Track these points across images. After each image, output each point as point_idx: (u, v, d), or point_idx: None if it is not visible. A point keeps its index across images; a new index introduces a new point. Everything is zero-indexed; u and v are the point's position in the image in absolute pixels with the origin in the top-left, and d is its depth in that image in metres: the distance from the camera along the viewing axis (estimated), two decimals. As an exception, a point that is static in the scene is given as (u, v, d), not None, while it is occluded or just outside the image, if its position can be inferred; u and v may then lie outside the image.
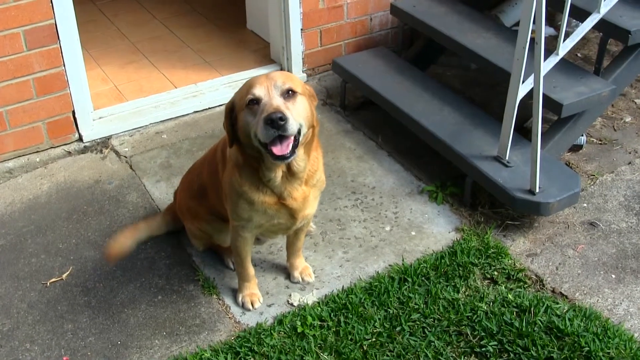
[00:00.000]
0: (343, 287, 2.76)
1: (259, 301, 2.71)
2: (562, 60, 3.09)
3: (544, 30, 2.65)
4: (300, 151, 2.28)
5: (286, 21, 3.97)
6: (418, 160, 3.48)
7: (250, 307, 2.68)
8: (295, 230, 2.66)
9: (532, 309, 2.61)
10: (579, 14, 3.25)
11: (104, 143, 3.65)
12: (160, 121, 3.81)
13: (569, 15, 2.93)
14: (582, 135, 3.50)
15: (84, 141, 3.62)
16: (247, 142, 2.25)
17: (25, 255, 2.98)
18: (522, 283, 2.77)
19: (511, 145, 3.03)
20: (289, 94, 2.18)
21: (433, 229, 3.06)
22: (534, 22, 2.65)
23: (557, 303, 2.66)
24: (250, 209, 2.41)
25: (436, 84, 3.69)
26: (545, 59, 2.83)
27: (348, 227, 3.08)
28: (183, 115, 3.86)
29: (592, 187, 3.31)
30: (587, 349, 2.45)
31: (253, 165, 2.33)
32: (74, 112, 3.56)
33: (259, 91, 2.17)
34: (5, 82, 3.31)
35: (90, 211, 3.21)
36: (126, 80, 4.15)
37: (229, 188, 2.44)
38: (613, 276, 2.82)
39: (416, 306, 2.65)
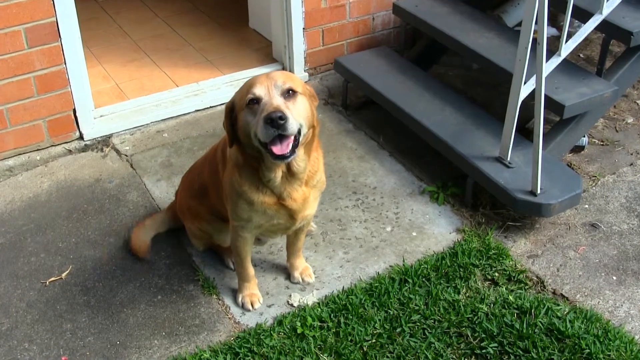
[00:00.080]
0: (343, 287, 2.75)
1: (259, 301, 2.70)
2: (565, 61, 3.07)
3: (547, 31, 2.64)
4: (300, 151, 2.27)
5: (288, 20, 3.96)
6: (419, 161, 3.47)
7: (250, 308, 2.68)
8: (296, 231, 2.65)
9: (532, 311, 2.60)
10: (582, 15, 3.24)
11: (104, 141, 3.64)
12: (162, 120, 3.80)
13: (571, 16, 2.92)
14: (584, 136, 3.48)
15: (84, 139, 3.62)
16: (247, 142, 2.24)
17: (24, 254, 2.97)
18: (522, 284, 2.76)
19: (513, 146, 3.02)
20: (289, 93, 2.17)
21: (434, 229, 3.05)
22: (536, 23, 2.63)
23: (558, 305, 2.65)
24: (250, 209, 2.40)
25: (438, 84, 3.68)
26: (547, 60, 2.82)
27: (349, 227, 3.07)
28: (184, 114, 3.85)
29: (594, 188, 3.30)
30: (588, 351, 2.44)
31: (253, 165, 2.32)
32: (74, 110, 3.55)
33: (259, 91, 2.16)
34: (6, 80, 3.31)
35: (90, 210, 3.20)
36: (128, 78, 4.14)
37: (229, 188, 2.44)
38: (614, 278, 2.81)
39: (416, 307, 2.64)
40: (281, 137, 2.13)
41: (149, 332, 2.62)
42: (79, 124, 3.59)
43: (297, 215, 2.44)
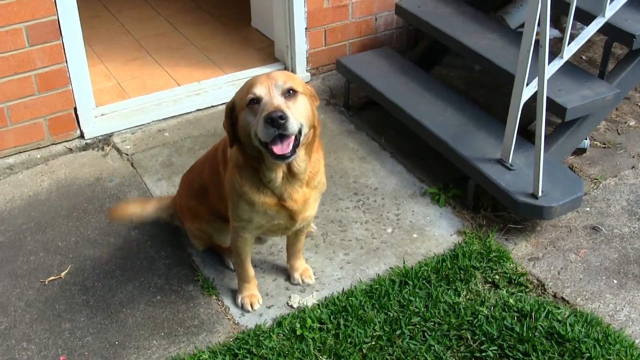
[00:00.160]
0: (343, 289, 2.74)
1: (259, 302, 2.69)
2: (567, 63, 3.06)
3: (549, 32, 2.63)
4: (301, 152, 2.26)
5: (290, 20, 3.95)
6: (421, 162, 3.46)
7: (250, 309, 2.67)
8: (296, 232, 2.65)
9: (533, 314, 2.59)
10: (584, 17, 3.23)
11: (105, 140, 3.64)
12: (163, 119, 3.79)
13: (573, 19, 2.91)
14: (586, 139, 3.47)
15: (85, 138, 3.61)
16: (248, 142, 2.23)
17: (24, 252, 2.97)
18: (523, 287, 2.75)
19: (514, 148, 3.01)
20: (289, 93, 2.17)
21: (435, 231, 3.04)
22: (538, 25, 2.62)
23: (559, 308, 2.64)
24: (250, 210, 2.40)
25: (440, 85, 3.67)
26: (549, 62, 2.80)
27: (349, 228, 3.06)
28: (186, 113, 3.84)
29: (595, 191, 3.28)
30: (588, 355, 2.43)
31: (254, 165, 2.31)
32: (75, 109, 3.54)
33: (259, 90, 2.15)
34: (7, 78, 3.30)
35: (90, 209, 3.20)
36: (129, 77, 4.13)
37: (229, 188, 2.43)
38: (615, 281, 2.80)
39: (416, 309, 2.63)
40: (282, 137, 2.12)
41: (148, 333, 2.61)
42: (80, 123, 3.58)
43: (297, 216, 2.43)
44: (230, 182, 2.41)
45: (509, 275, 2.79)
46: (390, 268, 2.84)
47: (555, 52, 3.00)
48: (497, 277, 2.78)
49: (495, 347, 2.48)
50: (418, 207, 3.18)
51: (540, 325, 2.54)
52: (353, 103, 3.93)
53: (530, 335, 2.50)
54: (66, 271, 2.87)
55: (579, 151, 3.51)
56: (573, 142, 3.30)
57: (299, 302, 2.70)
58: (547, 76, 2.70)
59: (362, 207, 3.18)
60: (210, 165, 2.66)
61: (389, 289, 2.70)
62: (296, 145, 2.17)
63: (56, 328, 2.64)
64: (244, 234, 2.52)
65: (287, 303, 2.71)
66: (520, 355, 2.44)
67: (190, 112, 3.85)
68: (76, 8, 3.34)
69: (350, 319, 2.59)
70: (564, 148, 3.26)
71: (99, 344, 2.58)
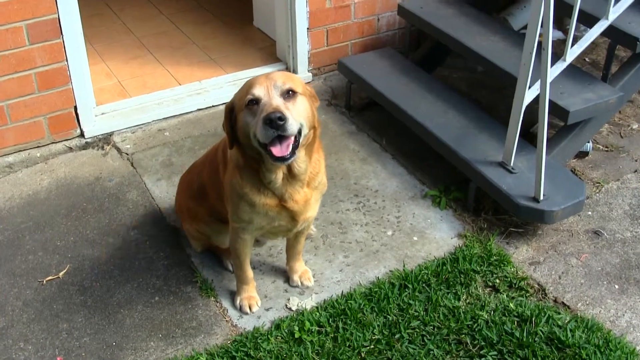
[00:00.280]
0: (342, 292, 2.72)
1: (257, 305, 2.68)
2: (570, 65, 3.03)
3: (552, 34, 2.61)
4: (301, 153, 2.24)
5: (292, 20, 3.94)
6: (422, 164, 3.44)
7: (248, 311, 2.65)
8: (296, 234, 2.63)
9: (533, 319, 2.57)
10: (588, 20, 3.21)
11: (105, 139, 3.62)
12: (163, 118, 3.78)
13: (577, 21, 2.88)
14: (588, 142, 3.45)
15: (85, 137, 3.60)
16: (247, 143, 2.22)
17: (22, 252, 2.95)
18: (524, 292, 2.73)
19: (516, 151, 2.99)
20: (289, 94, 2.15)
21: (435, 234, 3.02)
22: (541, 26, 2.60)
23: (559, 313, 2.62)
24: (251, 211, 2.38)
25: (442, 87, 3.65)
26: (552, 65, 2.78)
27: (349, 230, 3.04)
28: (186, 113, 3.83)
29: (598, 195, 3.26)
30: (589, 361, 2.41)
31: (254, 166, 2.30)
32: (75, 108, 3.53)
33: (258, 91, 2.14)
34: (7, 76, 3.29)
35: (89, 208, 3.18)
36: (130, 76, 4.12)
37: (229, 189, 2.41)
38: (616, 287, 2.78)
39: (416, 313, 2.61)
40: (281, 138, 2.10)
41: (146, 334, 2.59)
42: (80, 122, 3.57)
43: (298, 217, 2.41)
44: (231, 183, 2.39)
45: (509, 279, 2.77)
46: (390, 271, 2.83)
47: (558, 54, 2.98)
48: (497, 281, 2.77)
49: (495, 352, 2.46)
50: (419, 209, 3.16)
51: (541, 330, 2.52)
52: (354, 104, 3.91)
53: (531, 340, 2.48)
54: (64, 271, 2.86)
55: (582, 154, 3.49)
56: (575, 145, 3.28)
57: (297, 305, 2.68)
58: (549, 79, 2.68)
59: (363, 209, 3.16)
60: (210, 165, 2.64)
61: (388, 292, 2.68)
62: (296, 146, 2.15)
63: (53, 328, 2.63)
64: (244, 235, 2.50)
65: (286, 305, 2.69)
66: (520, 361, 2.43)
67: (191, 112, 3.83)
68: (77, 6, 3.33)
69: (349, 322, 2.57)
70: (566, 151, 3.24)
71: (96, 344, 2.56)
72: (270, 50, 4.33)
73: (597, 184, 3.32)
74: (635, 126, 3.75)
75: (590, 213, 3.15)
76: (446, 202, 3.17)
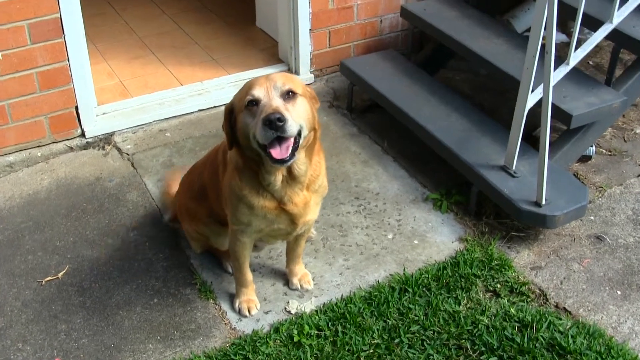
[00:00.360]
0: (342, 295, 2.71)
1: (256, 307, 2.66)
2: (573, 69, 3.02)
3: (556, 37, 2.59)
4: (300, 155, 2.23)
5: (295, 21, 3.92)
6: (424, 167, 3.42)
7: (247, 314, 2.64)
8: (296, 237, 2.61)
9: (534, 325, 2.55)
10: (592, 23, 3.18)
11: (106, 139, 3.62)
12: (164, 119, 3.77)
13: (581, 24, 2.87)
14: (592, 146, 3.43)
15: (86, 137, 3.59)
16: (246, 144, 2.20)
17: (22, 252, 2.95)
18: (525, 297, 2.71)
19: (519, 155, 2.97)
20: (289, 95, 2.13)
21: (436, 238, 3.00)
22: (545, 29, 2.58)
23: (560, 319, 2.60)
24: (250, 214, 2.37)
25: (444, 89, 3.63)
26: (555, 68, 2.76)
27: (350, 233, 3.03)
28: (188, 114, 3.82)
29: (600, 199, 3.24)
30: (590, 368, 2.40)
31: (253, 168, 2.28)
32: (77, 107, 3.52)
33: (258, 92, 2.12)
34: (9, 76, 3.28)
35: (89, 209, 3.17)
36: (132, 75, 4.11)
37: (228, 191, 2.40)
38: (618, 292, 2.75)
39: (416, 318, 2.59)
40: (280, 140, 2.09)
41: (144, 336, 2.58)
42: (81, 121, 3.56)
43: (298, 220, 2.39)
44: (230, 185, 2.38)
45: (510, 284, 2.75)
46: (390, 275, 2.81)
47: (561, 57, 2.96)
48: (498, 285, 2.75)
49: (495, 358, 2.44)
50: (420, 212, 3.15)
51: (542, 336, 2.50)
52: (356, 105, 3.90)
53: (531, 346, 2.47)
54: (63, 271, 2.85)
55: (584, 158, 3.47)
56: (578, 149, 3.26)
57: (297, 308, 2.67)
58: (552, 83, 2.66)
59: (363, 212, 3.14)
60: (211, 167, 2.63)
61: (388, 296, 2.67)
62: (295, 148, 2.13)
63: (52, 329, 2.62)
64: (243, 238, 2.48)
65: (285, 308, 2.68)
66: (521, 367, 2.41)
67: (192, 112, 3.82)
68: (79, 6, 3.32)
69: (349, 326, 2.55)
70: (569, 155, 3.22)
71: (95, 346, 2.55)
72: (272, 51, 4.32)
73: (600, 189, 3.30)
74: (639, 130, 3.72)
75: (592, 218, 3.13)
76: (447, 206, 3.15)
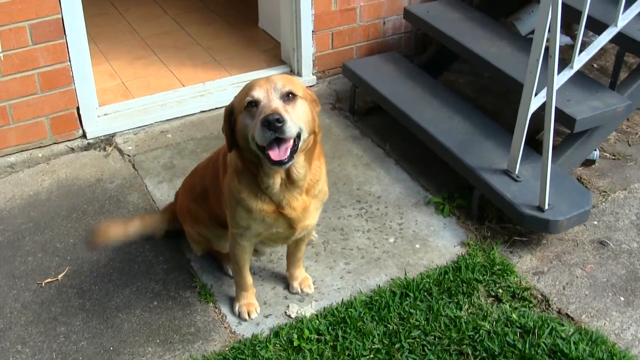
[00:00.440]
0: (343, 300, 2.69)
1: (256, 311, 2.65)
2: (577, 72, 2.99)
3: (560, 39, 2.57)
4: (300, 158, 2.21)
5: (297, 22, 3.91)
6: (426, 170, 3.40)
7: (247, 317, 2.62)
8: (296, 240, 2.60)
9: (536, 330, 2.53)
10: (596, 26, 3.16)
11: (107, 140, 3.60)
12: (166, 120, 3.76)
13: (585, 27, 2.84)
14: (595, 150, 3.41)
15: (87, 138, 3.58)
16: (246, 146, 2.19)
17: (22, 253, 2.94)
18: (527, 302, 2.69)
19: (521, 159, 2.95)
20: (289, 97, 2.12)
21: (438, 242, 2.98)
22: (549, 31, 2.56)
23: (563, 325, 2.58)
24: (248, 217, 2.35)
25: (447, 92, 3.61)
26: (559, 72, 2.74)
27: (351, 237, 3.01)
28: (189, 115, 3.80)
29: (604, 204, 3.22)
30: (592, 374, 2.37)
31: (252, 170, 2.27)
32: (78, 108, 3.52)
33: (257, 93, 2.11)
34: (10, 76, 3.28)
35: (90, 210, 3.16)
36: (134, 76, 4.10)
37: (228, 194, 2.39)
38: (622, 299, 2.73)
39: (417, 323, 2.58)
40: (279, 142, 2.07)
41: (143, 339, 2.57)
42: (82, 122, 3.56)
43: (296, 225, 2.38)
44: (229, 187, 2.36)
45: (512, 289, 2.73)
46: (391, 279, 2.79)
47: (565, 60, 2.94)
48: (500, 291, 2.73)
49: (497, 364, 2.43)
50: (422, 216, 3.13)
51: (544, 342, 2.48)
52: (359, 108, 3.88)
53: (533, 352, 2.44)
54: (63, 273, 2.84)
55: (588, 162, 3.44)
56: (582, 153, 3.23)
57: (297, 312, 2.65)
58: (556, 87, 2.64)
59: (365, 216, 3.13)
60: (212, 169, 2.62)
61: (389, 301, 2.65)
62: (294, 150, 2.12)
63: (51, 331, 2.60)
64: (242, 242, 2.47)
65: (285, 312, 2.66)
66: (522, 373, 2.39)
67: (194, 114, 3.81)
68: (81, 7, 3.31)
69: (349, 330, 2.54)
70: (573, 159, 3.20)
71: (94, 349, 2.54)
72: (274, 52, 4.30)
73: (604, 193, 3.28)
74: (643, 134, 3.70)
75: (596, 222, 3.10)
76: (449, 210, 3.13)
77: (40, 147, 3.50)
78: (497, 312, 2.62)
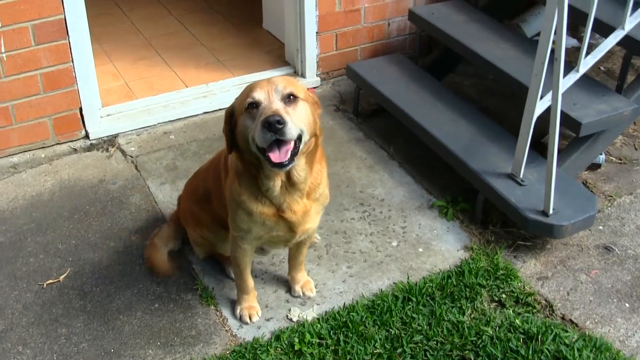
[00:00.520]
0: (345, 303, 2.67)
1: (257, 315, 2.63)
2: (584, 75, 2.97)
3: (566, 42, 2.54)
4: (300, 160, 2.19)
5: (301, 23, 3.89)
6: (430, 173, 3.38)
7: (248, 321, 2.61)
8: (298, 244, 2.58)
9: (539, 336, 2.50)
10: (603, 29, 3.13)
11: (110, 141, 3.59)
12: (169, 121, 3.75)
13: (592, 30, 2.82)
14: (601, 154, 3.38)
15: (90, 138, 3.57)
16: (246, 148, 2.17)
17: (24, 254, 2.93)
18: (530, 308, 2.67)
19: (526, 163, 2.93)
20: (289, 98, 2.10)
21: (441, 246, 2.96)
22: (554, 34, 2.54)
23: (567, 331, 2.55)
24: (249, 220, 2.34)
25: (451, 94, 3.59)
26: (565, 75, 2.72)
27: (354, 240, 2.99)
28: (192, 116, 3.79)
29: (609, 208, 3.19)
30: (596, 382, 2.35)
31: (252, 172, 2.25)
32: (81, 109, 3.51)
33: (258, 95, 2.10)
34: (13, 77, 3.27)
35: (92, 211, 3.15)
36: (137, 77, 4.09)
37: (229, 197, 2.37)
38: (627, 305, 2.71)
39: (419, 327, 2.56)
40: (280, 144, 2.06)
41: (144, 342, 2.56)
42: (85, 123, 3.55)
43: (296, 228, 2.36)
44: (230, 190, 2.35)
45: (516, 294, 2.71)
46: (394, 283, 2.77)
47: (572, 62, 2.91)
48: (503, 296, 2.70)
49: (499, 370, 2.41)
50: (425, 220, 3.11)
51: (547, 348, 2.46)
52: (363, 110, 3.86)
53: (536, 359, 2.42)
54: (65, 274, 2.83)
55: (594, 166, 3.41)
56: (588, 157, 3.20)
57: (298, 316, 2.63)
58: (561, 90, 2.61)
59: (368, 219, 3.11)
60: (214, 171, 2.60)
61: (391, 305, 2.63)
62: (295, 152, 2.10)
63: (52, 333, 2.59)
64: (243, 245, 2.46)
65: (287, 316, 2.64)
66: (525, 380, 2.37)
67: (197, 115, 3.80)
68: (84, 7, 3.30)
69: (351, 335, 2.52)
70: (578, 163, 3.17)
71: (95, 351, 2.53)
72: (278, 53, 4.28)
73: (609, 198, 3.25)
74: (650, 138, 3.67)
75: (601, 227, 3.07)
76: (453, 213, 3.11)
77: (42, 147, 3.50)
78: (500, 318, 2.60)
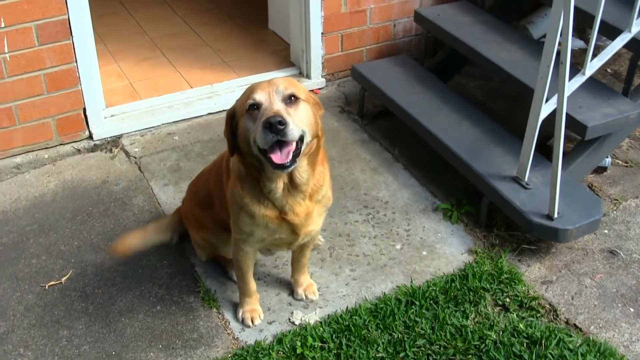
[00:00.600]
0: (347, 307, 2.66)
1: (260, 318, 2.62)
2: (590, 78, 2.94)
3: (573, 43, 2.52)
4: (302, 162, 2.18)
5: (307, 24, 3.88)
6: (434, 176, 3.36)
7: (250, 324, 2.60)
8: (301, 246, 2.57)
9: (543, 341, 2.48)
10: (610, 32, 3.10)
11: (114, 142, 3.59)
12: (173, 122, 3.74)
13: (598, 32, 2.79)
14: (607, 157, 3.35)
15: (94, 139, 3.57)
16: (247, 150, 2.16)
17: (26, 255, 2.93)
18: (534, 312, 2.65)
19: (531, 166, 2.91)
20: (291, 99, 2.09)
21: (445, 249, 2.94)
22: (560, 36, 2.51)
23: (571, 336, 2.53)
24: (251, 223, 2.32)
25: (457, 96, 3.57)
26: (571, 78, 2.69)
27: (357, 243, 2.98)
28: (196, 117, 3.78)
29: (615, 212, 3.16)
30: (600, 388, 2.33)
31: (254, 175, 2.24)
32: (84, 110, 3.50)
33: (259, 96, 2.09)
34: (16, 77, 3.26)
35: (95, 213, 3.15)
36: (141, 77, 4.08)
37: (231, 199, 2.36)
38: (631, 310, 2.68)
39: (422, 331, 2.54)
40: (281, 145, 2.04)
41: (146, 344, 2.55)
42: (89, 123, 3.54)
43: (299, 231, 2.35)
44: (232, 192, 2.34)
45: (520, 298, 2.69)
46: (397, 286, 2.75)
47: (578, 64, 2.88)
48: (507, 300, 2.68)
49: (503, 375, 2.39)
50: (429, 223, 3.09)
51: (551, 353, 2.44)
52: (368, 111, 3.84)
53: (540, 364, 2.41)
54: (67, 276, 2.83)
55: (600, 169, 3.39)
56: (593, 160, 3.18)
57: (301, 319, 2.62)
58: (567, 94, 2.59)
59: (372, 221, 3.09)
60: (216, 174, 2.59)
61: (394, 309, 2.61)
62: (297, 154, 2.09)
63: (54, 335, 2.59)
64: (245, 248, 2.44)
65: (289, 319, 2.63)
66: (529, 385, 2.35)
67: (202, 116, 3.79)
68: (88, 8, 3.30)
69: (353, 338, 2.50)
70: (584, 167, 3.14)
71: (96, 353, 2.52)
72: (284, 53, 4.27)
73: (615, 201, 3.22)
74: (656, 141, 3.64)
75: (606, 231, 3.05)
76: (458, 216, 3.09)
77: (46, 148, 3.49)
78: (504, 322, 2.58)
